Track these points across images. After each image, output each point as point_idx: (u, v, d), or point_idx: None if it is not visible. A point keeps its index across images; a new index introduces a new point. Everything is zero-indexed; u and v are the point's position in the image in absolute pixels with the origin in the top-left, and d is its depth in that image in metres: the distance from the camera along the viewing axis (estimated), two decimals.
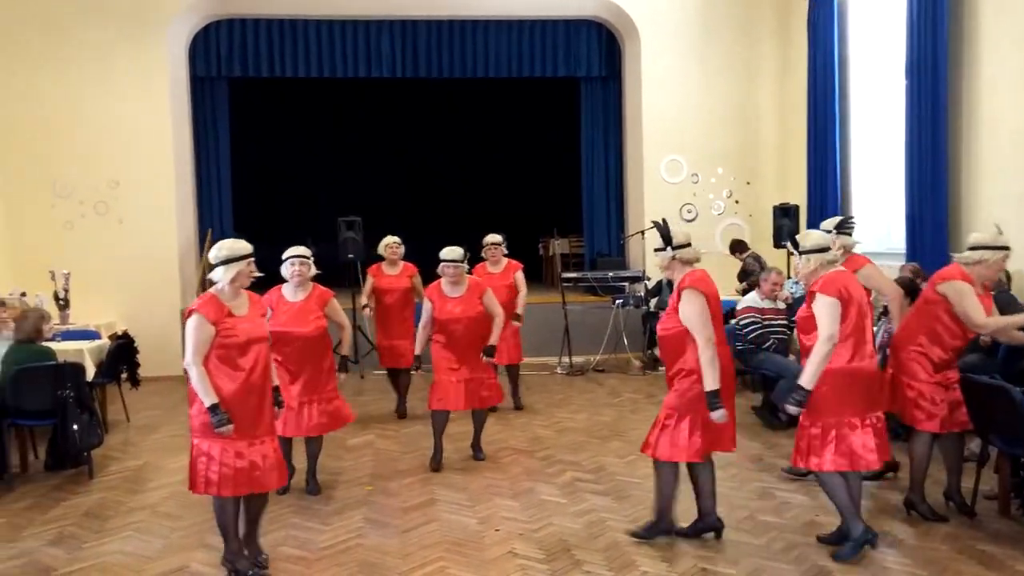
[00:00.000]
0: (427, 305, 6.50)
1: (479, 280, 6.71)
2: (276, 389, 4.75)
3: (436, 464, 6.55)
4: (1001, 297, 6.13)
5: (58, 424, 6.39)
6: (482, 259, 8.44)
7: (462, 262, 6.46)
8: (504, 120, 15.57)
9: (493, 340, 6.51)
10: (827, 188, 10.50)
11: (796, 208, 10.76)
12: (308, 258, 6.00)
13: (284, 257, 5.94)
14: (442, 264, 6.47)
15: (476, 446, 6.86)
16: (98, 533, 5.34)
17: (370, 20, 11.93)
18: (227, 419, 4.34)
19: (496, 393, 6.69)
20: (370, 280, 8.41)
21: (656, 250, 4.93)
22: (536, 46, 12.29)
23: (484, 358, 6.45)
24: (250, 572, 4.58)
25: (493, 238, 8.50)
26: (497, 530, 5.25)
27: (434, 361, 6.56)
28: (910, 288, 6.24)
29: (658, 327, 4.93)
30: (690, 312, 4.66)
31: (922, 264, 8.17)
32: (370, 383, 9.91)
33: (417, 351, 6.63)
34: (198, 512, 5.61)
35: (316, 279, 6.17)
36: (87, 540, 5.23)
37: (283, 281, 6.05)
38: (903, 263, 8.36)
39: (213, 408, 4.32)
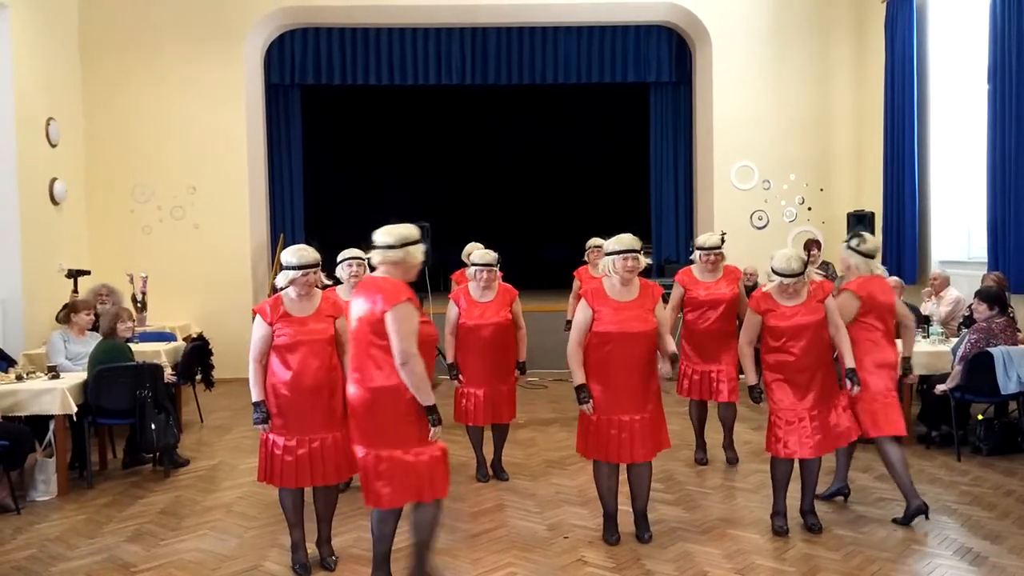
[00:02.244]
0: (453, 310, 6.29)
1: (510, 287, 6.40)
2: None
3: (482, 476, 6.45)
4: None
5: (136, 424, 6.55)
6: (584, 262, 8.41)
7: (495, 266, 6.27)
8: (573, 126, 15.56)
9: (523, 355, 6.39)
10: (904, 194, 10.22)
11: (871, 215, 10.51)
12: (363, 259, 5.98)
13: (340, 259, 5.97)
14: (474, 268, 6.27)
15: (498, 466, 6.55)
16: (175, 531, 5.45)
17: (440, 28, 12.02)
18: (263, 417, 4.57)
19: (511, 408, 6.41)
20: None
21: (641, 252, 4.96)
22: (606, 52, 12.25)
23: (519, 375, 6.37)
24: (296, 567, 4.72)
25: (596, 241, 8.23)
26: (566, 537, 5.22)
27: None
28: (997, 298, 6.03)
29: (635, 324, 4.86)
30: None
31: (1006, 273, 7.92)
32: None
33: (449, 359, 6.33)
34: (271, 512, 5.70)
35: None
36: (164, 537, 5.34)
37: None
38: (985, 272, 8.11)
39: (255, 404, 4.59)
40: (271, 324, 4.57)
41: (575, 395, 4.93)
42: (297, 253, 4.63)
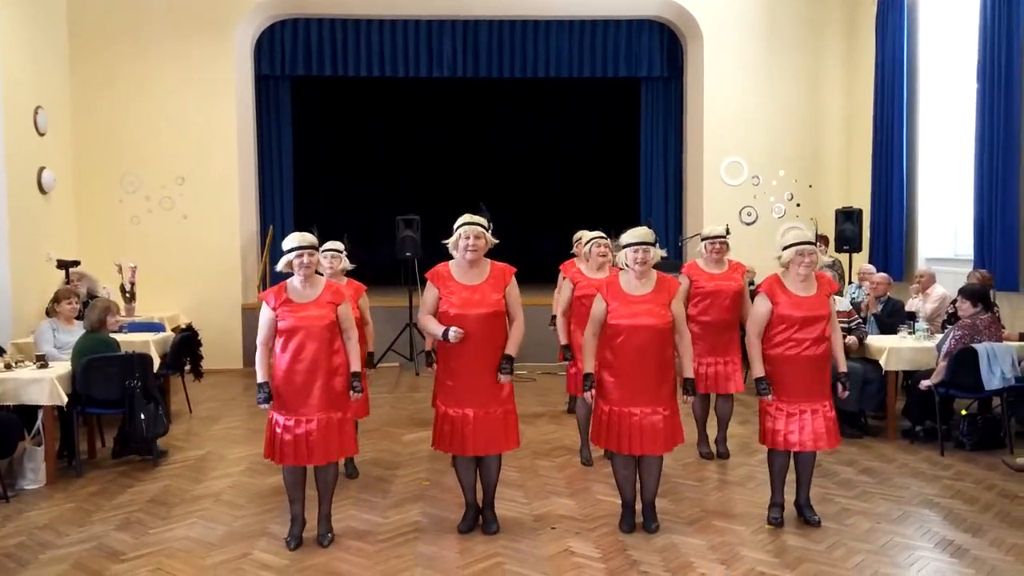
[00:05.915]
0: (432, 292, 4.99)
1: (506, 266, 5.09)
2: (356, 375, 4.91)
3: (465, 526, 5.19)
4: None
5: (126, 413, 6.55)
6: (572, 255, 8.03)
7: (487, 229, 5.00)
8: (565, 120, 15.55)
9: (511, 349, 4.97)
10: (892, 192, 10.30)
11: (859, 212, 10.58)
12: (341, 252, 6.11)
13: (321, 250, 6.00)
14: (460, 230, 4.96)
15: (487, 510, 5.23)
16: (164, 519, 5.46)
17: (432, 20, 12.02)
18: (265, 397, 4.79)
19: (512, 434, 5.07)
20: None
21: (654, 245, 5.00)
22: (597, 46, 12.26)
23: (500, 376, 4.92)
24: (287, 538, 4.96)
25: (598, 233, 7.16)
26: (553, 528, 5.25)
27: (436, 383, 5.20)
28: (981, 295, 6.07)
29: (647, 317, 4.87)
30: None
31: (991, 271, 8.00)
32: (424, 381, 9.97)
33: (429, 346, 5.17)
34: (260, 501, 5.75)
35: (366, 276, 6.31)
36: (153, 526, 5.35)
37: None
38: (971, 270, 8.18)
39: (259, 385, 4.82)
40: (274, 310, 4.81)
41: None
42: (293, 236, 4.91)
